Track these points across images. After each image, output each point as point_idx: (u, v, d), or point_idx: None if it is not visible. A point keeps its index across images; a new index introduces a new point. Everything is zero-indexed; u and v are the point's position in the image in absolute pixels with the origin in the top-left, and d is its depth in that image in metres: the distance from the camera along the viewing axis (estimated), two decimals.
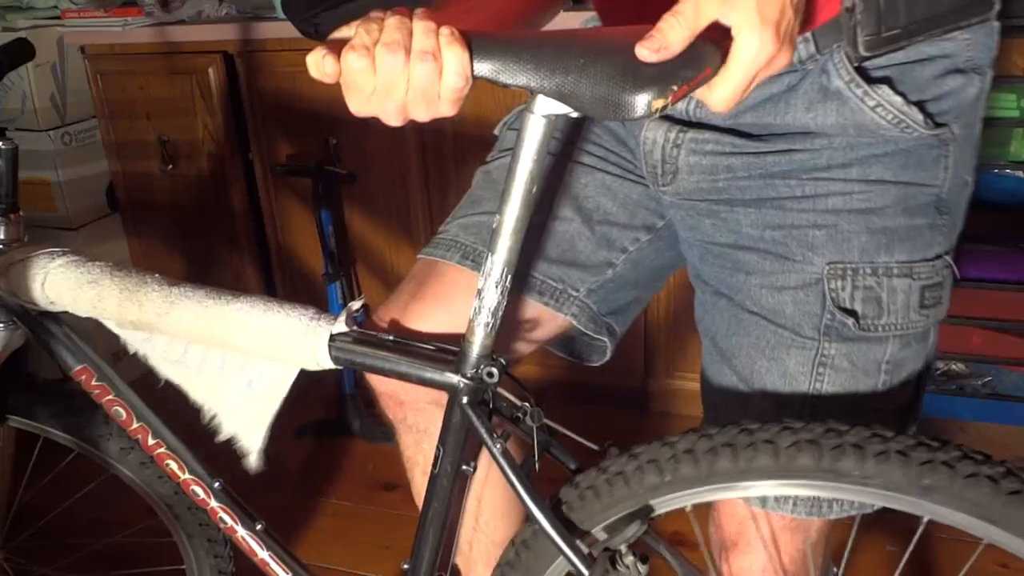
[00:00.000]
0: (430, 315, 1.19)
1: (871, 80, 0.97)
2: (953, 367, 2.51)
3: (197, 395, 1.16)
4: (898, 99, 0.97)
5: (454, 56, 0.81)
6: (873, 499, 0.92)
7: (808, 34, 0.97)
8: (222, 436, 1.17)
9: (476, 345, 0.99)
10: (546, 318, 1.24)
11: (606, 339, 1.28)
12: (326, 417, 2.73)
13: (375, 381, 1.23)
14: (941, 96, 0.99)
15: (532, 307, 1.21)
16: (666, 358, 2.62)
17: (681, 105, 1.07)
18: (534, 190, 0.91)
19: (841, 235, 1.02)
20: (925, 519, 0.90)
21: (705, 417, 1.21)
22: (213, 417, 1.17)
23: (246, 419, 1.14)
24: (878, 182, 1.01)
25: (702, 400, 1.21)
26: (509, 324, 1.19)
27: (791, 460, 0.91)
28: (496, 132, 1.34)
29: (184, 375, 1.16)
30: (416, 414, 1.27)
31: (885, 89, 0.96)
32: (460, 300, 1.16)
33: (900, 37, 0.94)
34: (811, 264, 1.03)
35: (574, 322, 1.23)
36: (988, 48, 1.02)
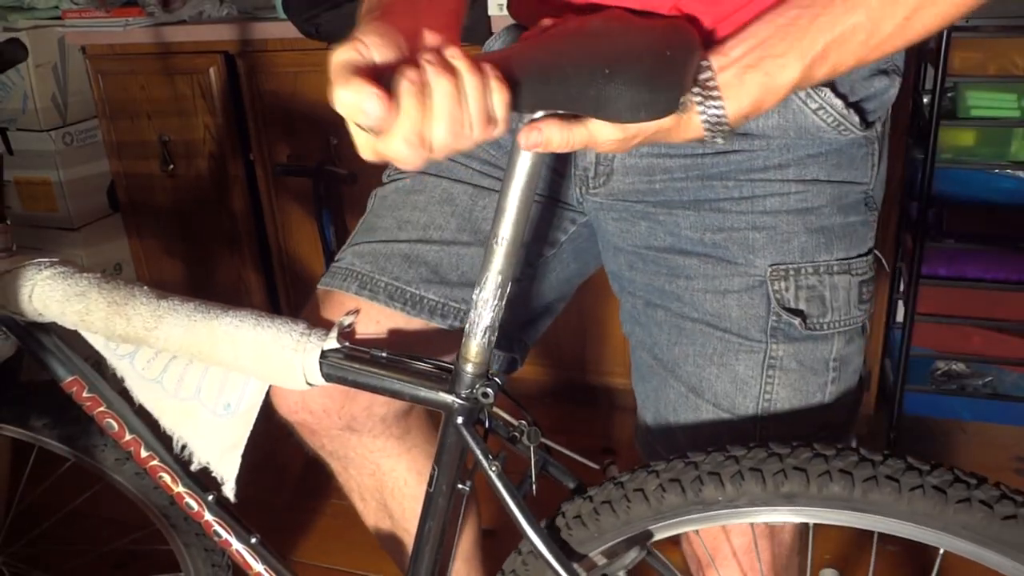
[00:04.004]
0: None
1: None
2: (953, 367, 2.51)
3: (169, 421, 1.16)
4: (839, 102, 0.98)
5: None
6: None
7: None
8: (195, 465, 1.16)
9: (471, 364, 0.98)
10: (451, 340, 1.18)
11: (517, 355, 1.28)
12: None
13: (285, 411, 1.20)
14: (870, 96, 1.01)
15: (436, 332, 1.18)
16: None
17: None
18: (530, 203, 0.90)
19: (781, 236, 1.03)
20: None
21: (644, 431, 1.18)
22: (184, 447, 1.16)
23: (220, 446, 1.13)
24: (814, 182, 1.03)
25: (638, 414, 1.19)
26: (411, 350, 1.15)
27: (822, 488, 0.91)
28: None
29: (159, 397, 1.15)
30: (332, 442, 1.26)
31: (827, 92, 0.97)
32: (360, 329, 1.15)
33: None
34: (753, 267, 1.04)
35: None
36: (902, 52, 1.03)
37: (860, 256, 1.06)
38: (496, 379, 0.99)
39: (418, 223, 1.17)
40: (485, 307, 0.95)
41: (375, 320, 1.15)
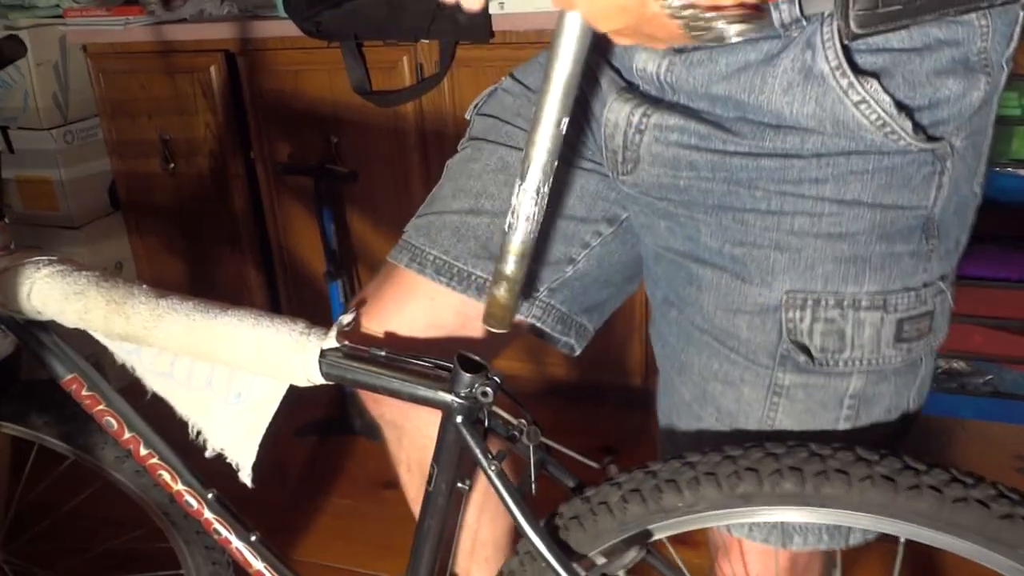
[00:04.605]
0: (382, 319, 1.17)
1: (859, 71, 0.85)
2: (954, 365, 2.51)
3: (183, 409, 1.15)
4: (886, 99, 0.86)
5: None
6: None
7: None
8: (209, 452, 1.16)
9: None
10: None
11: (573, 340, 1.23)
12: (327, 416, 2.73)
13: None
14: (938, 103, 0.88)
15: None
16: None
17: (651, 67, 0.97)
18: (549, 172, 0.87)
19: (804, 261, 0.93)
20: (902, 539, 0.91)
21: (660, 419, 1.16)
22: (199, 433, 1.16)
23: (234, 434, 1.13)
24: (853, 203, 0.91)
25: (657, 406, 1.17)
26: (466, 332, 1.17)
27: (775, 487, 0.91)
28: (467, 116, 1.26)
29: (171, 388, 1.15)
30: (391, 411, 1.25)
31: (874, 84, 0.85)
32: (411, 303, 1.15)
33: (903, 14, 0.79)
34: (769, 289, 0.95)
35: (538, 324, 1.18)
36: (1006, 40, 0.89)
37: (905, 290, 0.95)
38: (495, 378, 0.99)
39: (471, 191, 1.15)
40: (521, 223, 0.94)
41: (427, 295, 1.15)
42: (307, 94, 2.60)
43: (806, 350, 0.95)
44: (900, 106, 0.86)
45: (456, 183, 1.17)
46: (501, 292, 0.99)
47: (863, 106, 0.86)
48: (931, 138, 0.89)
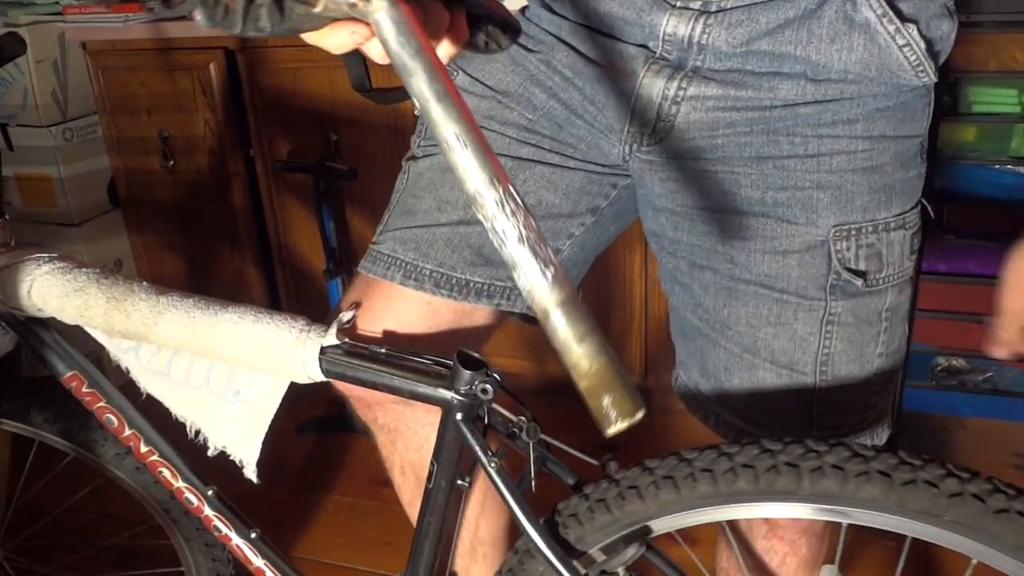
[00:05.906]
0: (375, 324, 1.17)
1: (903, 17, 0.96)
2: (954, 363, 2.51)
3: (180, 409, 1.16)
4: (922, 41, 0.96)
5: None
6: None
7: None
8: (211, 451, 1.16)
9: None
10: (497, 315, 1.21)
11: None
12: (328, 413, 2.73)
13: (340, 385, 1.18)
14: (938, 41, 1.00)
15: (482, 311, 1.19)
16: (666, 354, 2.61)
17: (682, 29, 1.01)
18: None
19: (845, 196, 1.03)
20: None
21: (689, 385, 1.20)
22: (198, 432, 1.16)
23: (235, 431, 1.13)
24: (880, 138, 1.02)
25: (680, 366, 1.21)
26: (459, 330, 1.19)
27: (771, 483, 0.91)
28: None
29: (167, 388, 1.15)
30: (385, 414, 1.25)
31: (914, 29, 0.96)
32: (406, 316, 1.15)
33: None
34: (815, 227, 1.03)
35: (529, 313, 1.17)
36: None
37: (912, 209, 1.07)
38: (495, 375, 0.99)
39: (458, 203, 1.15)
40: None
41: (421, 305, 1.15)
42: (306, 92, 2.60)
43: (862, 274, 1.05)
44: (929, 46, 0.97)
45: (439, 194, 1.17)
46: (595, 355, 0.75)
47: (906, 49, 0.96)
48: (937, 70, 1.01)
